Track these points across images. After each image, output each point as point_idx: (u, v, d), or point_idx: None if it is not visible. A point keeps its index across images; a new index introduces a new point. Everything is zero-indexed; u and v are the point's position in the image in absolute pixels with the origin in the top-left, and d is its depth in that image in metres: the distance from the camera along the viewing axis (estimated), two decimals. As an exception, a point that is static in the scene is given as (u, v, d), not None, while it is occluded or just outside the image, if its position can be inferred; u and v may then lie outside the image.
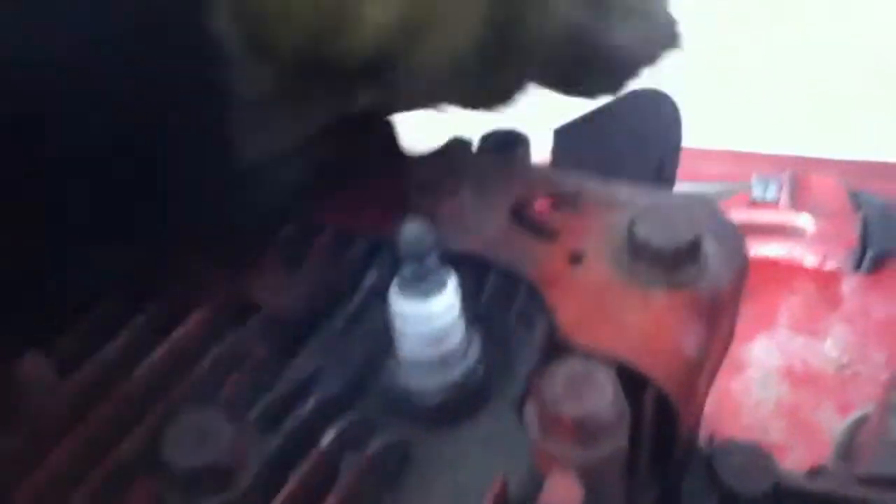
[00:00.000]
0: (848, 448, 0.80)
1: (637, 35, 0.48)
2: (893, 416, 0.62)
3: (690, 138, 0.78)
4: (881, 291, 1.38)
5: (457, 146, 0.55)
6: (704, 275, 0.43)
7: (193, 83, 0.39)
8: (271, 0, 0.37)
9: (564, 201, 0.49)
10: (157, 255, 0.47)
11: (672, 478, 0.47)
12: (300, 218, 0.51)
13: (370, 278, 0.48)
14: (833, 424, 1.23)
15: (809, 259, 1.42)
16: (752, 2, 1.79)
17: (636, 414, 0.38)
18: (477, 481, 0.38)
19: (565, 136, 0.58)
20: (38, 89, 0.35)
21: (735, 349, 0.51)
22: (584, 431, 0.35)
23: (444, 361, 0.41)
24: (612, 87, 0.51)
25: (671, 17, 0.50)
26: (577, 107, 0.56)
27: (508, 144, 0.54)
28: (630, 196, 0.49)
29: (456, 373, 0.42)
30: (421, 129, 0.55)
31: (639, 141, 0.57)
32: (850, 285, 1.40)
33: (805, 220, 1.41)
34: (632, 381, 0.39)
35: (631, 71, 0.49)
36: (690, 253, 0.42)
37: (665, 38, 0.49)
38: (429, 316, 0.40)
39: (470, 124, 0.55)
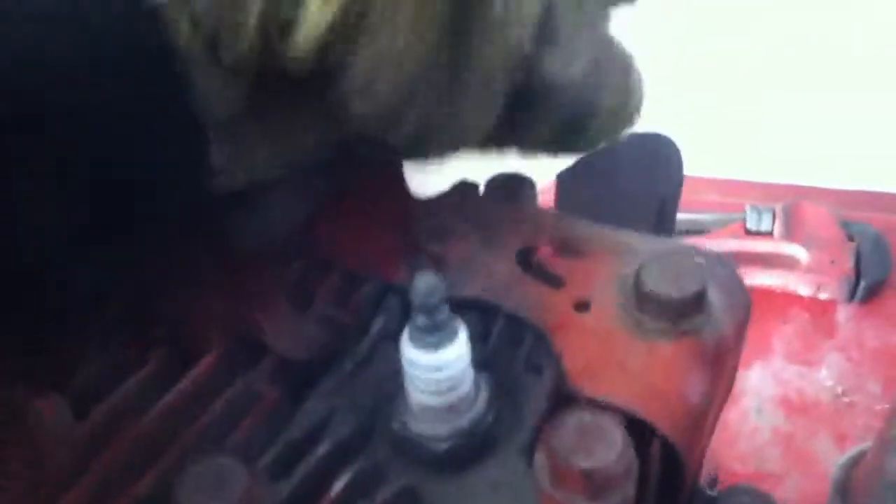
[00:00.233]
0: (845, 484, 0.81)
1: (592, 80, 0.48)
2: (891, 455, 0.63)
3: (685, 167, 0.79)
4: (875, 320, 1.40)
5: (464, 189, 0.56)
6: (709, 324, 0.44)
7: (158, 104, 0.39)
8: (222, 10, 0.37)
9: (571, 248, 0.50)
10: (161, 288, 0.48)
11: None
12: (308, 257, 0.51)
13: (379, 321, 0.49)
14: (829, 453, 1.24)
15: (804, 289, 1.43)
16: (748, 31, 1.81)
17: (642, 462, 0.39)
18: (486, 528, 0.39)
19: (568, 179, 0.59)
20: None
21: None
22: (594, 483, 0.35)
23: (453, 408, 0.42)
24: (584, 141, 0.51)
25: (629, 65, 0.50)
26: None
27: (514, 188, 0.55)
28: (636, 244, 0.50)
29: (465, 420, 0.42)
30: (428, 171, 0.56)
31: (640, 183, 0.58)
32: (844, 315, 1.42)
33: (799, 250, 1.43)
34: (638, 429, 0.40)
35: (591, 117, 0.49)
36: (696, 303, 0.43)
37: (621, 88, 0.49)
38: (439, 366, 0.40)
39: (477, 167, 0.56)
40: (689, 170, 0.82)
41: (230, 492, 0.36)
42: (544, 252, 0.51)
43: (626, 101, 0.48)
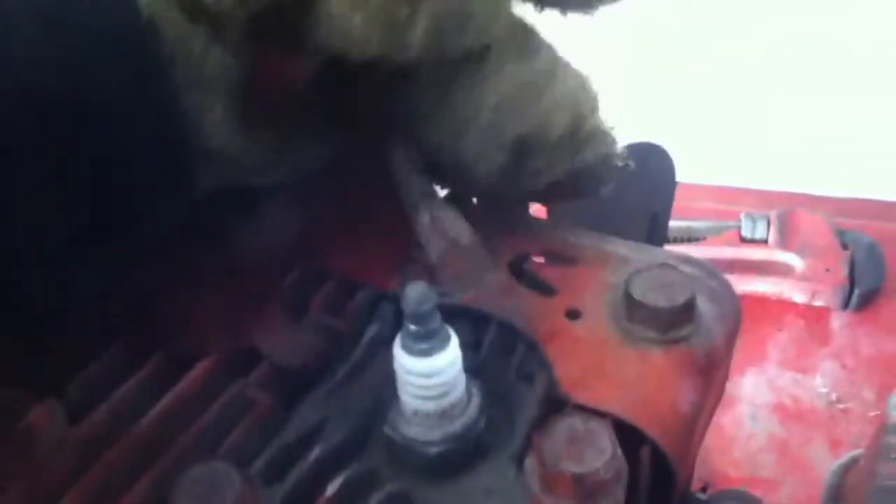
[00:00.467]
0: (838, 490, 0.81)
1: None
2: (883, 461, 0.63)
3: (679, 174, 0.80)
4: (870, 328, 1.40)
5: (457, 199, 0.56)
6: (699, 333, 0.45)
7: (158, 106, 0.40)
8: None
9: (562, 256, 0.50)
10: (158, 295, 0.48)
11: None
12: (304, 265, 0.52)
13: (373, 328, 0.49)
14: (823, 460, 1.24)
15: (798, 296, 1.44)
16: (743, 37, 1.82)
17: (633, 468, 0.40)
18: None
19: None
20: None
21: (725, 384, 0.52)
22: (584, 488, 0.36)
23: (445, 414, 0.42)
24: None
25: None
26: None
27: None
28: (627, 253, 0.50)
29: (457, 425, 0.43)
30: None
31: (633, 193, 0.59)
32: (838, 322, 1.42)
33: (794, 258, 1.43)
34: (629, 436, 0.41)
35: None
36: (686, 312, 0.44)
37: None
38: (431, 372, 0.41)
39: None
40: (683, 176, 0.82)
41: (224, 496, 0.37)
42: (537, 261, 0.51)
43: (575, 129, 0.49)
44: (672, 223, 0.86)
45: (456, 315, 0.46)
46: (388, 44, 0.41)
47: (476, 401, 0.44)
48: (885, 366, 1.35)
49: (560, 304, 0.47)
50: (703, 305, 0.46)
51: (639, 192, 0.61)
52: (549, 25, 0.51)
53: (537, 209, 0.59)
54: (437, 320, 0.40)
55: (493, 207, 0.55)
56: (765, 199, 1.57)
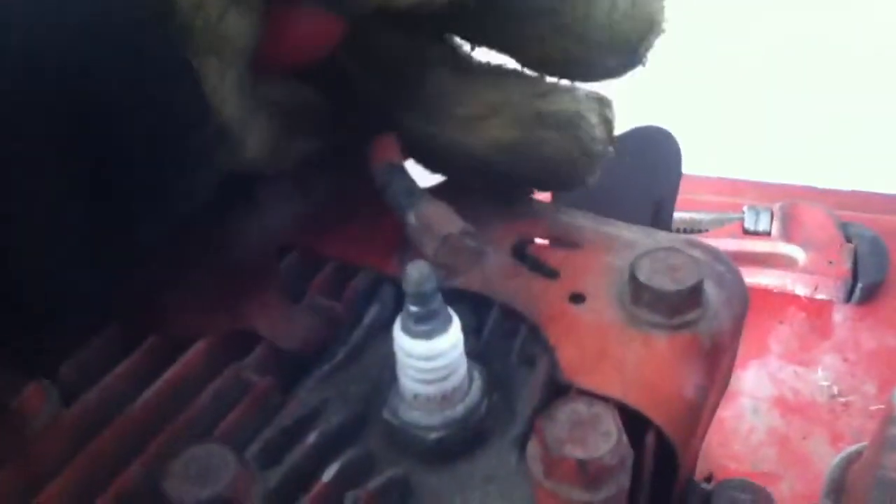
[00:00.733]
0: (840, 484, 0.80)
1: None
2: (887, 453, 0.62)
3: (683, 166, 0.79)
4: (872, 322, 1.40)
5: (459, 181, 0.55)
6: (706, 318, 0.44)
7: (158, 104, 0.39)
8: None
9: (566, 239, 0.49)
10: (153, 281, 0.47)
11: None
12: (302, 251, 0.51)
13: (372, 312, 0.48)
14: (824, 454, 1.24)
15: (801, 289, 1.43)
16: (747, 31, 1.81)
17: (637, 453, 0.39)
18: (477, 519, 0.39)
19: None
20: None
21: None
22: (588, 474, 0.35)
23: (445, 398, 0.42)
24: None
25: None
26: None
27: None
28: (632, 236, 0.49)
29: (457, 410, 0.42)
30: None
31: (639, 177, 0.58)
32: (841, 316, 1.42)
33: (797, 251, 1.43)
34: (633, 422, 0.40)
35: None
36: (692, 296, 0.43)
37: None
38: (432, 355, 0.40)
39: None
40: (687, 169, 0.81)
41: (218, 479, 0.36)
42: (540, 244, 0.50)
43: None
44: (675, 215, 0.85)
45: (457, 298, 0.45)
46: None
47: (477, 385, 0.43)
48: (887, 360, 1.35)
49: (563, 288, 0.46)
50: (710, 290, 0.45)
51: (644, 175, 0.60)
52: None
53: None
54: (438, 301, 0.40)
55: (493, 192, 0.54)
56: (768, 191, 1.56)
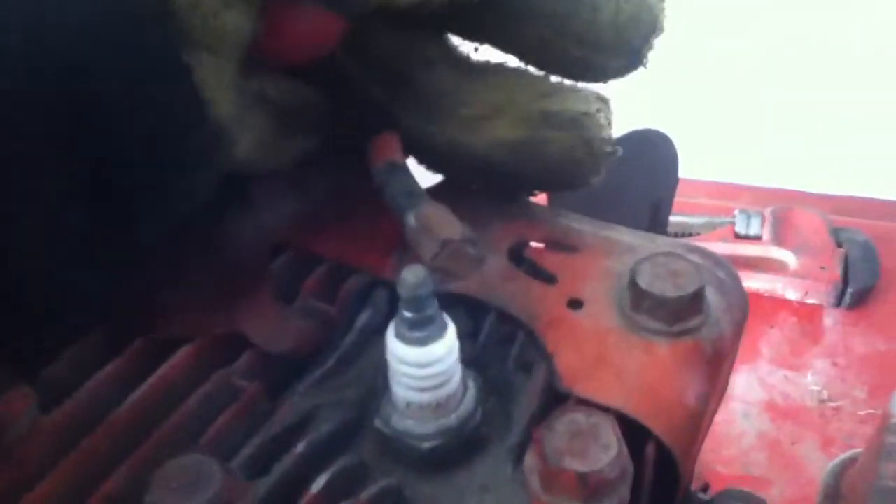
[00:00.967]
0: (834, 490, 0.80)
1: None
2: (885, 461, 0.61)
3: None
4: (862, 327, 1.40)
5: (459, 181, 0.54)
6: (707, 325, 0.43)
7: (156, 105, 0.38)
8: None
9: (564, 243, 0.48)
10: (145, 282, 0.46)
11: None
12: (295, 252, 0.50)
13: (366, 315, 0.47)
14: (814, 458, 1.23)
15: (792, 293, 1.43)
16: (740, 34, 1.81)
17: (637, 465, 0.38)
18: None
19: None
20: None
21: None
22: (588, 487, 0.34)
23: (440, 406, 0.40)
24: None
25: None
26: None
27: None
28: (631, 240, 0.48)
29: (452, 418, 0.41)
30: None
31: (637, 179, 0.57)
32: (831, 320, 1.42)
33: (788, 255, 1.42)
34: (633, 432, 0.39)
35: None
36: (694, 303, 0.42)
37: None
38: (426, 362, 0.39)
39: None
40: (679, 172, 0.81)
41: (204, 491, 0.34)
42: (538, 248, 0.49)
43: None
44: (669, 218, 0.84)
45: (452, 302, 0.44)
46: None
47: (472, 392, 0.42)
48: (877, 365, 1.35)
49: (561, 293, 0.45)
50: (711, 296, 0.44)
51: (642, 178, 0.59)
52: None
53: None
54: (434, 306, 0.38)
55: (493, 193, 0.53)
56: (760, 195, 1.56)
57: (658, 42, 0.48)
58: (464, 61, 0.50)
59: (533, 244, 0.50)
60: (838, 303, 1.41)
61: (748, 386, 1.34)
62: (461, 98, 0.48)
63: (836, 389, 1.33)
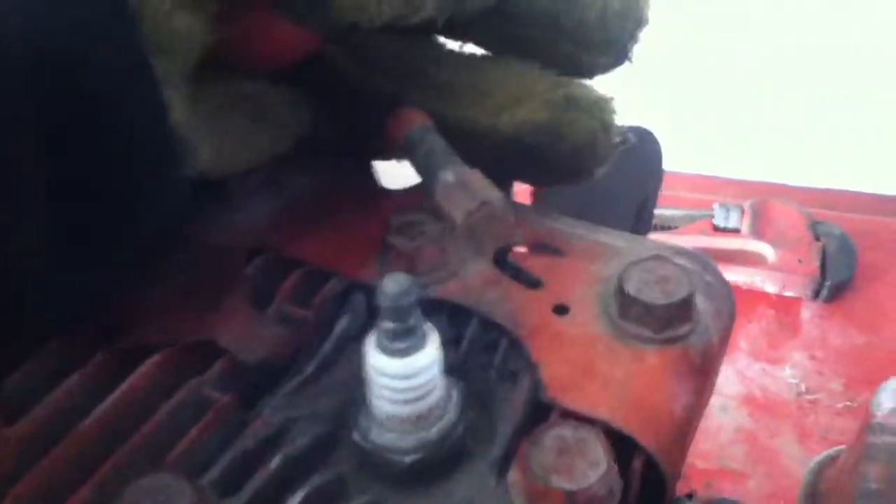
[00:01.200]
0: (815, 489, 0.79)
1: None
2: (867, 462, 0.61)
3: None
4: (839, 320, 1.41)
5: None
6: (697, 332, 0.42)
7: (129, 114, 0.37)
8: None
9: (550, 247, 0.47)
10: (112, 286, 0.44)
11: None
12: (270, 256, 0.48)
13: (344, 321, 0.45)
14: (791, 452, 1.24)
15: (770, 286, 1.44)
16: (716, 29, 1.80)
17: (624, 477, 0.37)
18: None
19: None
20: None
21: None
22: (575, 506, 0.33)
23: (421, 419, 0.39)
24: None
25: None
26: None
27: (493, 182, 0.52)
28: (619, 244, 0.47)
29: (433, 431, 0.39)
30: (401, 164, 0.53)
31: (623, 177, 0.56)
32: (808, 313, 1.42)
33: (766, 248, 1.43)
34: (620, 443, 0.37)
35: None
36: (683, 310, 0.41)
37: None
38: (408, 373, 0.37)
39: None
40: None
41: None
42: (521, 251, 0.48)
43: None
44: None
45: (434, 309, 0.42)
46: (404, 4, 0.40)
47: (455, 403, 0.40)
48: (854, 357, 1.36)
49: (547, 299, 0.44)
50: (700, 302, 0.43)
51: (627, 177, 0.58)
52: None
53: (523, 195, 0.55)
54: (416, 316, 0.37)
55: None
56: (739, 188, 1.56)
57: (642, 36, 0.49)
58: (470, 56, 0.51)
59: (517, 247, 0.48)
60: (816, 296, 1.42)
61: (726, 379, 1.35)
62: (482, 88, 0.49)
63: (814, 382, 1.34)
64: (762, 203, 1.48)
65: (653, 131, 0.63)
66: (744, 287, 1.45)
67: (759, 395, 1.33)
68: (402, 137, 0.47)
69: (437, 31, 0.51)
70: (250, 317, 0.44)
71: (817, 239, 1.42)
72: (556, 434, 0.34)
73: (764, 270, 1.44)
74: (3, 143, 0.33)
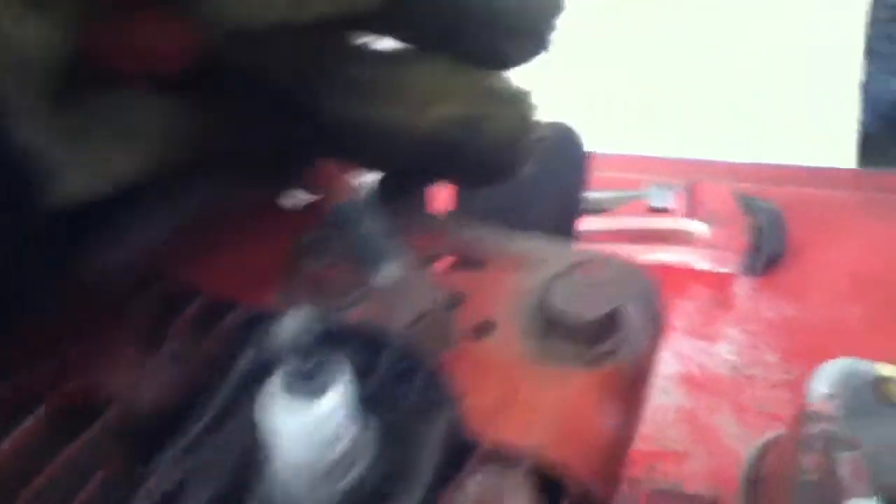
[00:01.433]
0: (756, 473, 0.79)
1: None
2: (805, 453, 0.60)
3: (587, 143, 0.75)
4: (772, 294, 1.42)
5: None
6: (627, 344, 0.39)
7: None
8: None
9: (470, 259, 0.43)
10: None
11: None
12: (159, 286, 0.43)
13: (247, 358, 0.41)
14: (730, 428, 1.24)
15: (703, 264, 1.44)
16: (642, 7, 1.79)
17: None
18: None
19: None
20: None
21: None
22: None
23: (331, 467, 0.35)
24: None
25: None
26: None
27: (406, 190, 0.48)
28: (540, 253, 0.44)
29: (348, 478, 0.36)
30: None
31: (544, 178, 0.53)
32: (742, 289, 1.43)
33: (699, 227, 1.43)
34: (551, 476, 0.34)
35: None
36: (611, 323, 0.38)
37: None
38: (315, 419, 0.33)
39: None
40: (588, 147, 0.77)
41: None
42: (440, 265, 0.44)
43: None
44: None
45: (344, 337, 0.38)
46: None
47: (370, 444, 0.37)
48: (787, 331, 1.37)
49: (466, 319, 0.41)
50: (629, 311, 0.40)
51: (550, 177, 0.55)
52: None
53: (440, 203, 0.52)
54: (323, 354, 0.33)
55: (389, 204, 0.48)
56: (669, 166, 1.56)
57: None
58: (386, 53, 0.49)
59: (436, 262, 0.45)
60: (749, 271, 1.43)
61: (664, 361, 1.34)
62: (400, 85, 0.46)
63: (749, 357, 1.35)
64: (694, 182, 1.48)
65: (573, 125, 0.61)
66: (679, 266, 1.45)
67: (697, 373, 1.33)
68: (330, 207, 0.43)
69: (348, 27, 0.47)
70: (139, 360, 0.40)
71: (748, 215, 1.43)
72: (477, 482, 0.31)
73: (698, 249, 1.44)
74: None
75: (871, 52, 1.60)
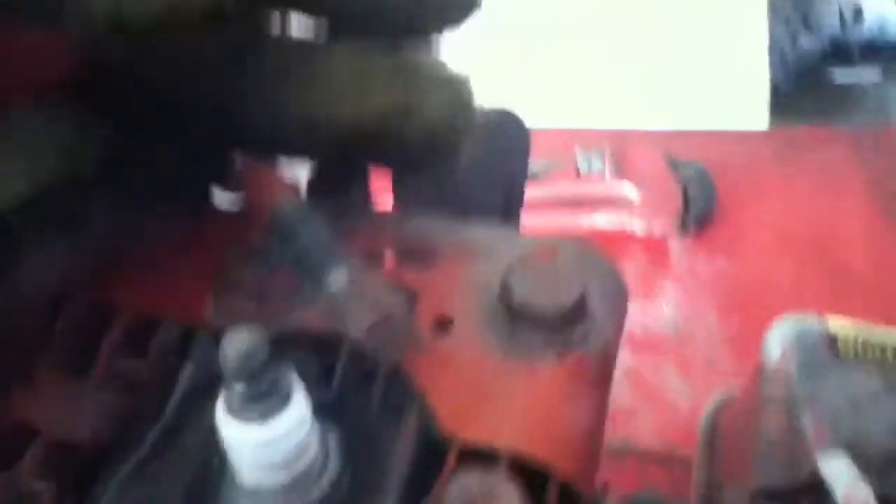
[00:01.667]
0: (712, 436, 0.80)
1: None
2: (766, 411, 0.60)
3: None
4: (705, 251, 1.45)
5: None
6: (593, 331, 0.37)
7: None
8: None
9: (419, 255, 0.41)
10: None
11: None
12: (77, 308, 0.39)
13: (187, 374, 0.37)
14: (674, 384, 1.27)
15: (638, 227, 1.45)
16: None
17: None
18: None
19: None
20: None
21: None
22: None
23: (296, 484, 0.32)
24: None
25: None
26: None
27: (343, 187, 0.45)
28: (496, 243, 0.42)
29: (313, 494, 0.33)
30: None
31: (485, 166, 0.50)
32: (676, 248, 1.45)
33: (630, 190, 1.44)
34: (531, 472, 0.33)
35: None
36: (576, 311, 0.36)
37: None
38: (269, 441, 0.30)
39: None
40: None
41: None
42: (387, 262, 0.42)
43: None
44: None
45: (295, 345, 0.36)
46: None
47: (334, 456, 0.34)
48: (723, 286, 1.40)
49: (424, 316, 0.38)
50: (592, 296, 0.38)
51: (492, 164, 0.53)
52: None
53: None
54: (272, 373, 0.30)
55: (329, 199, 0.44)
56: (597, 138, 1.56)
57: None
58: (296, 40, 0.44)
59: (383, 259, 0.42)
60: (681, 231, 1.45)
61: (606, 323, 1.35)
62: (316, 72, 0.42)
63: (689, 313, 1.38)
64: (622, 147, 1.50)
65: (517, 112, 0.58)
66: (613, 230, 1.46)
67: (640, 333, 1.35)
68: (268, 210, 0.39)
69: (258, 18, 0.43)
70: (67, 384, 0.36)
71: (677, 176, 1.45)
72: (460, 487, 0.29)
73: (631, 212, 1.46)
74: None
75: (775, 11, 1.64)
